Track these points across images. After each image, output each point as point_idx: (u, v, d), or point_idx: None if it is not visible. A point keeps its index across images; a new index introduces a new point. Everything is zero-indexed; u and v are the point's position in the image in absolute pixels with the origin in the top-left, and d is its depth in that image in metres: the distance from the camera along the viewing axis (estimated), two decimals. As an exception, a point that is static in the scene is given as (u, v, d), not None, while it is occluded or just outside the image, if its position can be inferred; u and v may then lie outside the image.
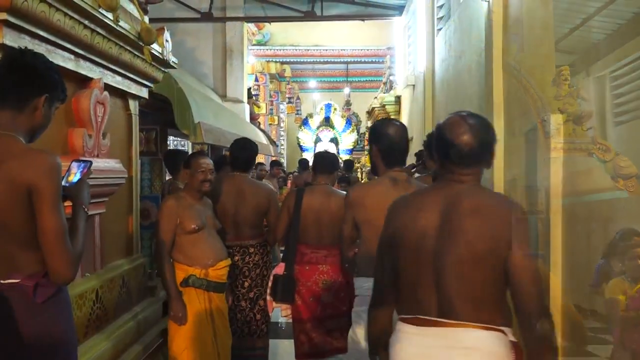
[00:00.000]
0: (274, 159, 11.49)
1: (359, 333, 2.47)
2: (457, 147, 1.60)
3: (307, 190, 3.47)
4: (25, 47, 1.76)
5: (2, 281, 1.57)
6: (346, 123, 17.56)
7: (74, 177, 1.79)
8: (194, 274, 2.93)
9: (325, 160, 3.60)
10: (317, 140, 17.64)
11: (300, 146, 17.93)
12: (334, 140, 17.48)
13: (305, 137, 17.84)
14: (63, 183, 1.72)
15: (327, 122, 17.66)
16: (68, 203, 1.74)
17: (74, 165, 1.81)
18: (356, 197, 2.51)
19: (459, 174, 1.63)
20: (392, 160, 2.50)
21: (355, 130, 17.52)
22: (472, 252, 1.54)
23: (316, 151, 16.79)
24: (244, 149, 3.67)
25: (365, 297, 2.44)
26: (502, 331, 1.56)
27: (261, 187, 3.74)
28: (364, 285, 2.47)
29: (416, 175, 4.27)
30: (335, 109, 17.70)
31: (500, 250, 1.53)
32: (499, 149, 3.28)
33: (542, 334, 1.51)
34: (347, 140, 17.48)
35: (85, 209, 1.77)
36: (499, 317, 1.57)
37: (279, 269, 3.42)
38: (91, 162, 1.86)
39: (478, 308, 1.56)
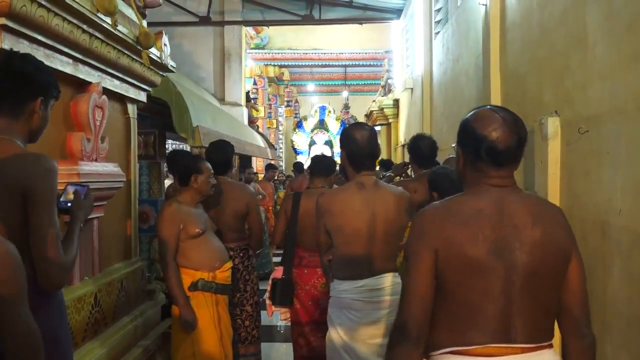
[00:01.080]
0: (272, 162, 11.50)
1: (333, 335, 2.48)
2: (492, 144, 1.41)
3: (304, 194, 3.48)
4: (12, 50, 1.74)
5: None
6: (341, 126, 17.52)
7: (70, 197, 1.80)
8: (202, 277, 2.92)
9: (322, 164, 3.60)
10: (312, 143, 17.59)
11: (295, 149, 17.88)
12: (329, 143, 17.44)
13: (300, 140, 17.78)
14: (60, 200, 1.74)
15: (321, 124, 17.64)
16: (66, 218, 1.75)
17: (69, 188, 1.81)
18: (324, 204, 2.48)
19: (493, 176, 1.44)
20: (359, 164, 2.49)
21: (351, 133, 17.47)
22: (547, 264, 1.41)
23: (310, 154, 16.81)
24: (220, 151, 3.55)
25: (338, 299, 2.47)
26: None
27: (241, 190, 3.59)
28: (337, 288, 2.49)
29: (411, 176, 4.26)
30: (330, 112, 17.66)
31: (565, 259, 1.44)
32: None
33: (591, 341, 1.46)
34: (342, 143, 17.47)
35: (81, 226, 1.77)
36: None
37: (278, 272, 3.42)
38: (88, 187, 1.87)
39: (546, 325, 1.44)
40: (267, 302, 3.46)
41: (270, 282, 3.44)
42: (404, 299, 1.45)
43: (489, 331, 1.39)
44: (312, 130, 17.76)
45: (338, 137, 16.81)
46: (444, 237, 1.41)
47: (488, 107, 1.51)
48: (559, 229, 1.45)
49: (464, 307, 1.41)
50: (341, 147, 2.58)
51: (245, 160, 10.11)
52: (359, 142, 2.47)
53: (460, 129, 1.52)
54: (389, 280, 2.45)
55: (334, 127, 17.61)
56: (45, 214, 1.55)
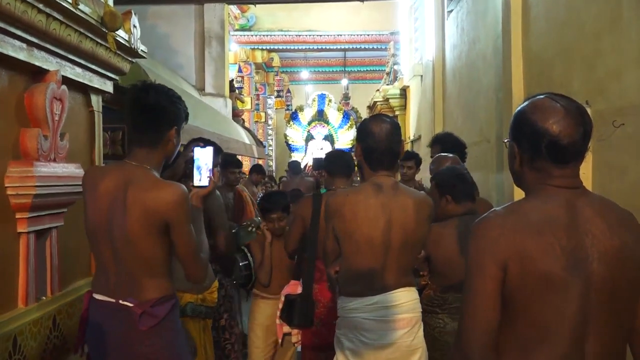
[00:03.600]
0: (261, 161, 11.48)
1: None
2: (554, 139, 1.41)
3: (326, 197, 3.44)
4: (144, 82, 2.18)
5: (120, 301, 2.01)
6: (343, 117, 17.06)
7: (205, 171, 2.23)
8: (191, 301, 2.87)
9: (341, 161, 3.54)
10: (309, 137, 17.08)
11: (289, 145, 17.45)
12: (329, 138, 16.92)
13: (295, 134, 17.31)
14: (196, 183, 2.22)
15: (320, 116, 17.12)
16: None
17: (196, 150, 2.23)
18: (334, 205, 2.47)
19: (558, 176, 1.45)
20: (375, 162, 2.47)
21: (354, 126, 17.12)
22: (626, 277, 1.40)
23: (307, 151, 16.53)
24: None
25: (347, 318, 2.45)
26: None
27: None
28: (345, 306, 2.46)
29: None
30: (330, 101, 17.26)
31: None
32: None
33: None
34: (344, 138, 16.85)
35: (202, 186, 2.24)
36: None
37: (291, 288, 3.35)
38: (213, 147, 2.41)
39: (620, 349, 1.45)
40: (278, 322, 3.40)
41: (282, 298, 3.36)
42: (466, 322, 1.44)
43: (560, 355, 1.39)
44: (310, 123, 17.23)
45: (340, 130, 16.26)
46: (515, 249, 1.39)
47: (545, 95, 1.48)
48: (636, 235, 1.44)
49: (532, 327, 1.40)
50: (357, 140, 2.58)
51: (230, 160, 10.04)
52: (377, 135, 2.44)
53: (515, 122, 1.51)
54: (405, 296, 2.43)
55: (335, 119, 17.05)
56: (186, 235, 2.03)
